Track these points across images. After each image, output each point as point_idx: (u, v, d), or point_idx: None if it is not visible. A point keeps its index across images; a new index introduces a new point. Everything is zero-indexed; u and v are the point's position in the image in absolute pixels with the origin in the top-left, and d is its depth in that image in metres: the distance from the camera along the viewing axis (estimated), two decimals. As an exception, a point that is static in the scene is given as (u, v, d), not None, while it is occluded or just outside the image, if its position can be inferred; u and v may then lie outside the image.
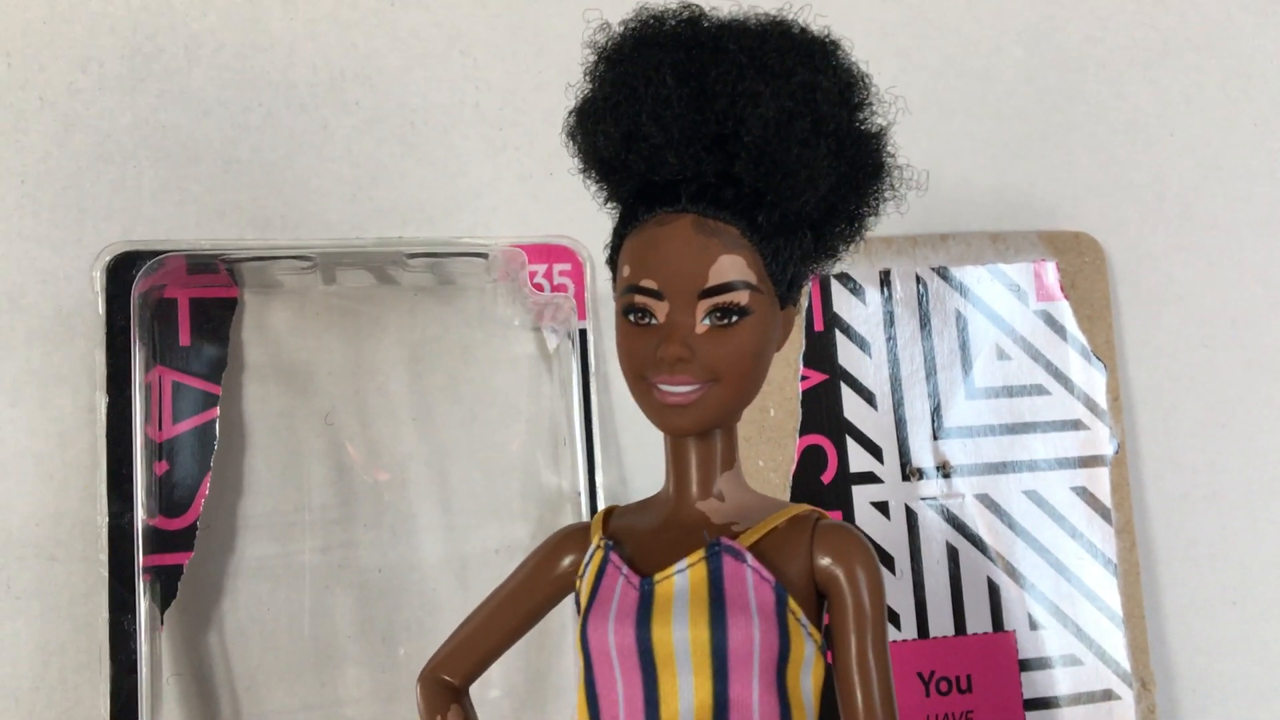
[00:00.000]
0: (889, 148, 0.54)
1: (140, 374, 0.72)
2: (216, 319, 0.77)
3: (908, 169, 0.54)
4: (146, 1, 0.80)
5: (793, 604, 0.51)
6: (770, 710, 0.50)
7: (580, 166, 0.55)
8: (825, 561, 0.52)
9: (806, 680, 0.51)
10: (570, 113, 0.54)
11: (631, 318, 0.52)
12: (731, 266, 0.50)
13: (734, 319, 0.51)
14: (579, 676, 0.53)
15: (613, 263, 0.54)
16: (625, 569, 0.52)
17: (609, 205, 0.56)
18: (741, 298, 0.50)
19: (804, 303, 0.84)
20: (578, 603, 0.55)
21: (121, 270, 0.73)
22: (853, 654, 0.51)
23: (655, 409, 0.52)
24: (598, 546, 0.54)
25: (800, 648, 0.51)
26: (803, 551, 0.52)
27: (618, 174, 0.53)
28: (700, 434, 0.53)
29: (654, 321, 0.51)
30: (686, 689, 0.50)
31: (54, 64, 0.78)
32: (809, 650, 0.51)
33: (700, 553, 0.51)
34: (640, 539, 0.54)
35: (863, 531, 0.83)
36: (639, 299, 0.51)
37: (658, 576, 0.51)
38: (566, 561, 0.57)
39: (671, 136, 0.50)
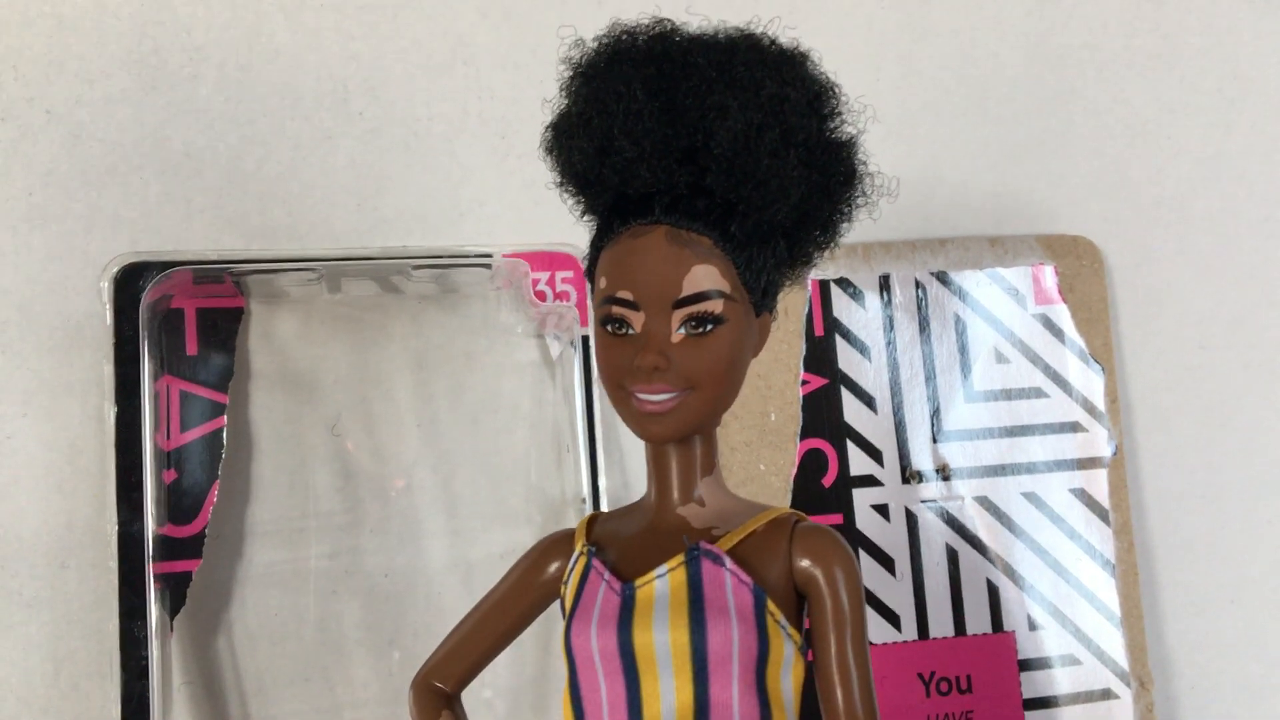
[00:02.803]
0: (860, 155, 0.55)
1: (149, 383, 0.73)
2: (223, 329, 0.77)
3: (879, 176, 0.55)
4: (152, 14, 0.80)
5: (771, 606, 0.51)
6: (750, 710, 0.51)
7: (557, 180, 0.56)
8: (804, 563, 0.53)
9: (787, 680, 0.52)
10: (546, 128, 0.55)
11: (609, 328, 0.53)
12: (705, 276, 0.51)
13: (709, 327, 0.52)
14: (564, 680, 0.54)
15: (590, 275, 0.55)
16: (607, 574, 0.53)
17: (586, 218, 0.56)
18: (715, 306, 0.51)
19: (803, 310, 0.85)
20: (562, 608, 0.56)
21: (129, 281, 0.73)
22: (832, 654, 0.52)
23: (634, 417, 0.53)
24: (581, 553, 0.55)
25: (780, 649, 0.52)
26: (782, 554, 0.53)
27: (593, 187, 0.54)
28: (679, 441, 0.54)
29: (631, 331, 0.52)
30: (668, 691, 0.51)
31: (60, 77, 0.79)
32: (788, 651, 0.52)
33: (680, 557, 0.52)
34: (623, 545, 0.55)
35: (850, 537, 0.84)
36: (616, 309, 0.52)
37: (639, 581, 0.52)
38: (552, 568, 0.58)
39: (644, 150, 0.51)
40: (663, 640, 0.51)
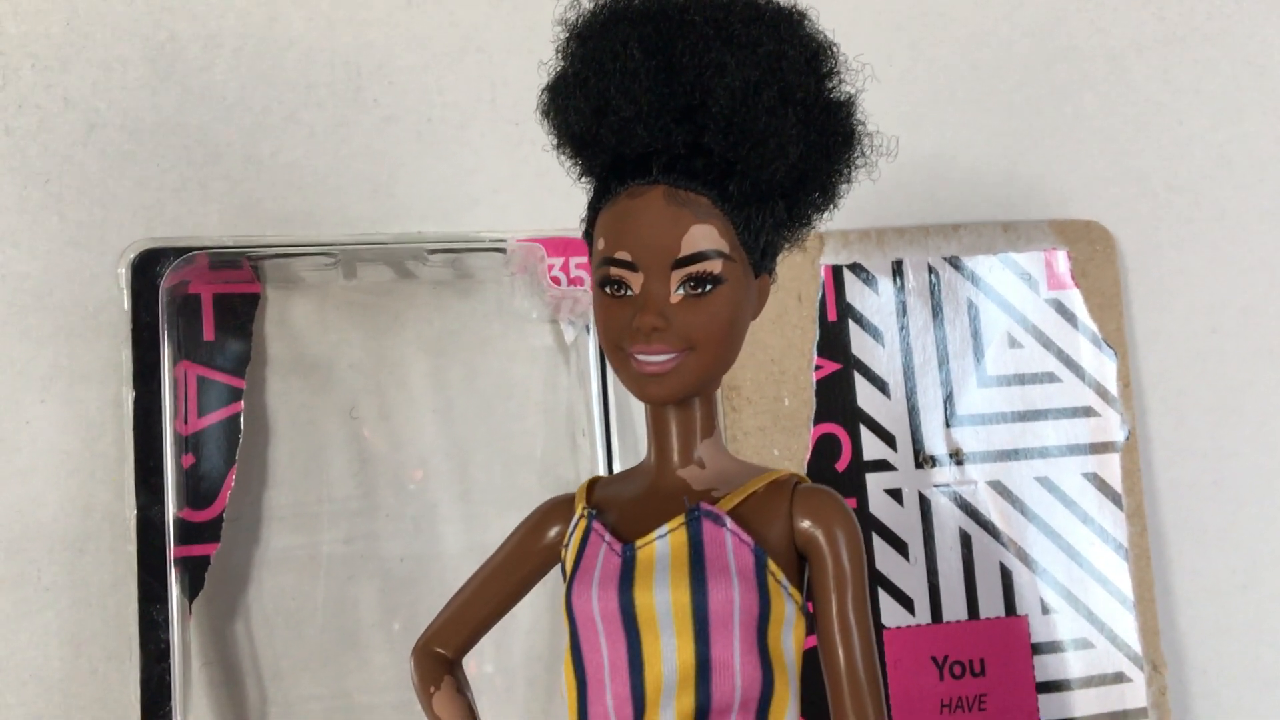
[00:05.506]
0: (859, 115, 0.54)
1: (167, 369, 0.73)
2: (240, 314, 0.78)
3: (878, 136, 0.54)
4: (168, 2, 0.81)
5: (772, 566, 0.51)
6: (752, 669, 0.51)
7: (554, 142, 0.56)
8: (805, 524, 0.52)
9: (788, 640, 0.52)
10: (543, 90, 0.55)
11: (608, 289, 0.53)
12: (703, 236, 0.51)
13: (708, 288, 0.51)
14: (565, 643, 0.54)
15: (588, 236, 0.55)
16: (608, 536, 0.53)
17: (583, 180, 0.56)
18: (714, 267, 0.51)
19: (816, 296, 0.85)
20: (563, 571, 0.56)
21: (146, 267, 0.73)
22: (833, 613, 0.52)
23: (633, 378, 0.53)
24: (581, 516, 0.55)
25: (780, 608, 0.52)
26: (782, 514, 0.53)
27: (590, 148, 0.54)
28: (679, 402, 0.54)
29: (630, 293, 0.52)
30: (669, 651, 0.51)
31: (77, 65, 0.79)
32: (789, 610, 0.52)
33: (680, 518, 0.52)
34: (623, 507, 0.55)
35: (863, 521, 0.84)
36: (614, 271, 0.52)
37: (639, 542, 0.52)
38: (552, 532, 0.58)
39: (640, 109, 0.51)
40: (664, 600, 0.51)
